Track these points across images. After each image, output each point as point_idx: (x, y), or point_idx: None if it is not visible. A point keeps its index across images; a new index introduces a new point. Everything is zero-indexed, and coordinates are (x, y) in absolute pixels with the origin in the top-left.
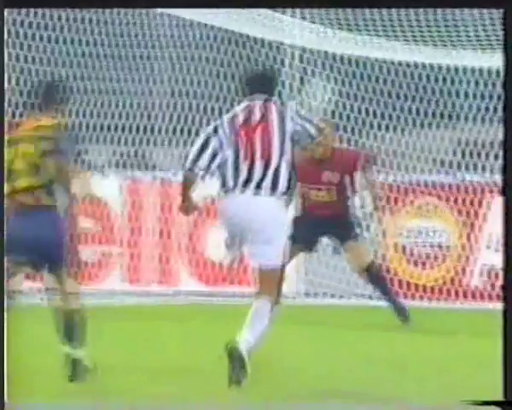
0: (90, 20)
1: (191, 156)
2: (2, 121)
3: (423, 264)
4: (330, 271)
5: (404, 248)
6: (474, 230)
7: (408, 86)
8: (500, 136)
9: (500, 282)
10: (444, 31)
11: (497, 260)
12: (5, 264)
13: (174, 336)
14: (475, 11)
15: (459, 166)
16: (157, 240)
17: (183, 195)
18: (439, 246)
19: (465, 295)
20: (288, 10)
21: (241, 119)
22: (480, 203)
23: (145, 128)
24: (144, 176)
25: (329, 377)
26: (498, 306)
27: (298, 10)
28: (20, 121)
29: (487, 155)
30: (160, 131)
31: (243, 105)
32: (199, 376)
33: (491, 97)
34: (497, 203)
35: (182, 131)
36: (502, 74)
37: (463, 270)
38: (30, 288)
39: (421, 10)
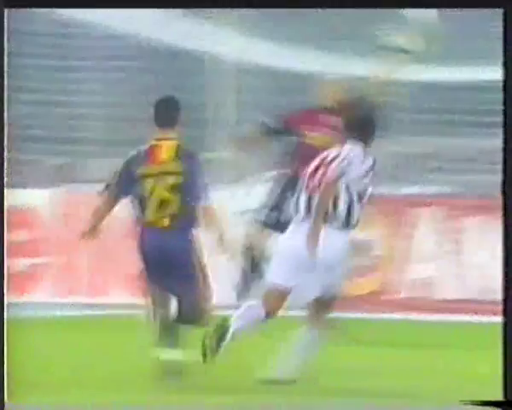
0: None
1: None
2: (2, 121)
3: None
4: None
5: None
6: (405, 241)
7: None
8: (431, 149)
9: (430, 293)
10: None
11: (425, 272)
12: (5, 266)
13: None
14: None
15: (393, 178)
16: (89, 252)
17: None
18: (370, 256)
19: (395, 306)
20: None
21: None
22: (411, 214)
23: (77, 139)
24: (77, 187)
25: None
26: (426, 317)
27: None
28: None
29: (421, 168)
30: (92, 142)
31: None
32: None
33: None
34: (427, 215)
35: (115, 142)
36: (502, 73)
37: (393, 281)
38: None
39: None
